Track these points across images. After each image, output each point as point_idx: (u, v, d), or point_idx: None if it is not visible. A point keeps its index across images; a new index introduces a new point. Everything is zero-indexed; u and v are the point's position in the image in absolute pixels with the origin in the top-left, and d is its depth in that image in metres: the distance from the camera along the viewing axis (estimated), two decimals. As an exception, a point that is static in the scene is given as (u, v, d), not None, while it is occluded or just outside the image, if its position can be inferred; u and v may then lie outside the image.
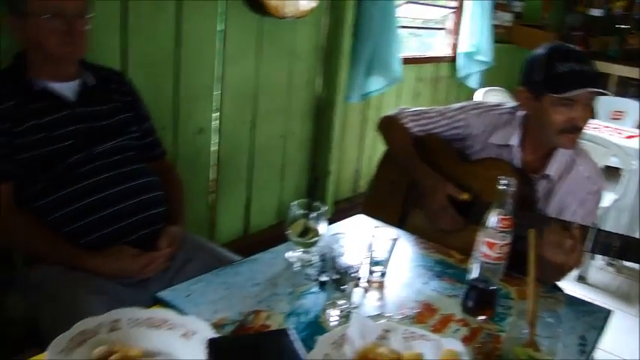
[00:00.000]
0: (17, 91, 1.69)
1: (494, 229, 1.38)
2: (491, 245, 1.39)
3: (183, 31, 2.49)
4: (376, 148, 3.89)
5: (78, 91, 1.79)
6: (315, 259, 1.49)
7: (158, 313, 1.11)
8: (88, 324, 1.05)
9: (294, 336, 0.88)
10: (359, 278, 1.37)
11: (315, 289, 1.38)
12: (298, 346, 0.87)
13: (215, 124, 2.76)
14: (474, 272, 1.39)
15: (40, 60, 1.73)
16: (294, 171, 3.30)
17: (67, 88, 1.77)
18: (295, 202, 1.47)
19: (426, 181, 1.89)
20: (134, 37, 2.33)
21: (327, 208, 1.48)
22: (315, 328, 1.22)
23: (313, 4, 2.94)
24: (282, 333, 0.87)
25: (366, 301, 1.38)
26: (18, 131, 1.66)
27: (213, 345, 0.84)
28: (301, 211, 1.45)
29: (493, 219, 1.38)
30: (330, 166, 3.41)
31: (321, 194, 3.33)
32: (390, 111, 2.12)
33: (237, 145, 2.92)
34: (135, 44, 2.34)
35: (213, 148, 2.79)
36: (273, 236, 3.07)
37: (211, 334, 1.04)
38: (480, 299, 1.38)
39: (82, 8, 1.72)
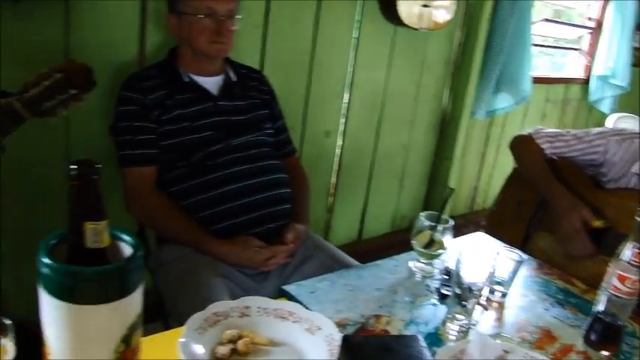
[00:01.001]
0: (168, 82, 1.82)
1: (628, 263, 1.31)
2: (623, 279, 1.32)
3: (319, 35, 2.56)
4: (497, 166, 3.80)
5: (221, 86, 1.90)
6: (437, 271, 1.48)
7: (286, 305, 1.15)
8: (222, 307, 1.11)
9: (424, 343, 0.89)
10: (480, 296, 1.35)
11: (435, 301, 1.37)
12: (427, 354, 0.88)
13: (341, 128, 2.81)
14: (601, 305, 1.33)
15: (190, 55, 1.85)
16: (412, 182, 3.30)
17: (211, 83, 1.88)
18: (424, 213, 1.47)
19: (561, 202, 1.83)
20: (273, 38, 2.42)
21: (454, 222, 1.47)
22: (434, 339, 1.22)
23: (448, 17, 2.93)
24: (413, 338, 0.88)
25: (485, 320, 1.36)
26: (165, 119, 1.78)
27: (347, 342, 0.87)
28: (429, 223, 1.45)
29: (628, 252, 1.31)
30: (449, 180, 3.38)
31: (437, 208, 3.29)
32: (525, 130, 2.07)
33: (360, 150, 2.95)
34: (273, 44, 2.43)
35: (337, 151, 2.83)
36: (386, 244, 3.08)
37: (336, 331, 1.07)
38: (605, 334, 1.32)
39: (231, 10, 1.82)
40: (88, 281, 0.77)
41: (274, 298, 1.26)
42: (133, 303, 0.81)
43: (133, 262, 0.80)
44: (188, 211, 1.77)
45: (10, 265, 2.10)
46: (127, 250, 0.84)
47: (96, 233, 0.77)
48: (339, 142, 2.83)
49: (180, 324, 1.53)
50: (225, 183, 1.77)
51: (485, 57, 3.35)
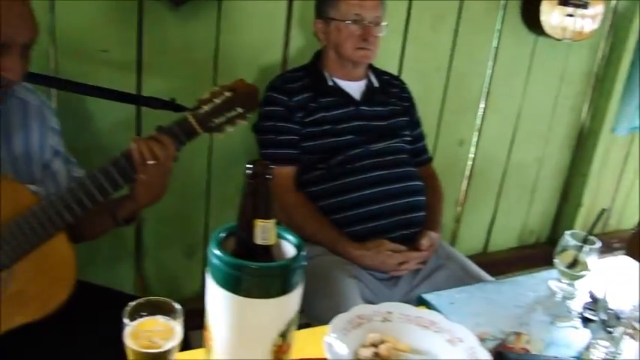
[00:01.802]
0: (313, 85, 1.88)
1: None
2: None
3: (458, 43, 2.54)
4: (636, 186, 3.58)
5: (363, 91, 1.93)
6: (579, 292, 1.42)
7: (427, 314, 1.15)
8: (365, 310, 1.13)
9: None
10: (629, 324, 1.28)
11: (577, 324, 1.32)
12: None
13: (474, 137, 2.77)
14: None
15: (335, 60, 1.89)
16: (543, 196, 3.18)
17: (354, 88, 1.92)
18: (569, 232, 1.42)
19: None
20: (412, 44, 2.43)
21: (600, 244, 1.41)
22: (577, 364, 1.18)
23: (595, 27, 2.79)
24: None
25: (632, 351, 1.29)
26: (308, 121, 1.83)
27: (501, 358, 0.86)
28: (574, 242, 1.40)
29: None
30: (583, 198, 3.22)
31: (568, 226, 3.17)
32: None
33: (492, 161, 2.89)
34: (412, 51, 2.44)
35: (469, 161, 2.79)
36: (512, 259, 2.99)
37: (478, 344, 1.06)
38: None
39: (378, 16, 1.85)
40: (255, 276, 0.81)
41: (406, 303, 1.26)
42: (293, 300, 0.85)
43: (297, 261, 0.84)
44: (324, 213, 1.81)
45: (152, 249, 2.25)
46: (290, 249, 0.88)
47: (265, 231, 0.82)
48: (472, 152, 2.79)
49: (312, 321, 1.59)
50: (363, 187, 1.80)
51: (632, 69, 3.16)
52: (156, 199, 1.41)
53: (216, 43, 2.09)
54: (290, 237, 0.89)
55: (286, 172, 1.84)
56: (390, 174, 1.84)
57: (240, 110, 1.37)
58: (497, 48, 2.66)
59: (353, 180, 1.81)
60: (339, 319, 1.08)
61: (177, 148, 1.35)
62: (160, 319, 0.90)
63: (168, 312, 0.90)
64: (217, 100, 1.35)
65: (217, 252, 0.82)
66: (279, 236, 0.88)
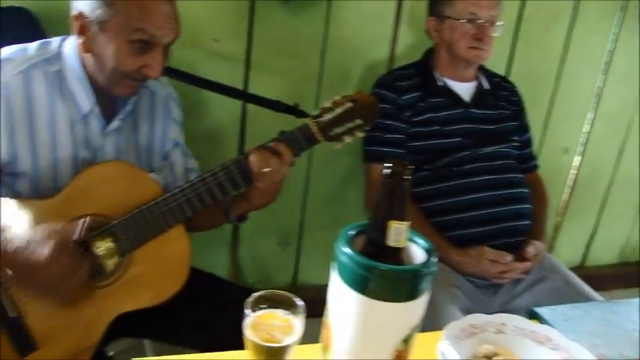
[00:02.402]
0: (422, 85, 1.84)
1: None
2: None
3: (571, 46, 2.43)
4: None
5: (473, 93, 1.88)
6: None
7: (543, 329, 1.10)
8: (478, 319, 1.09)
9: None
10: None
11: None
12: None
13: (580, 146, 2.65)
14: None
15: (447, 59, 1.85)
16: (651, 212, 3.01)
17: (464, 89, 1.87)
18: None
19: None
20: (522, 46, 2.34)
21: None
22: None
23: None
24: None
25: None
26: (416, 121, 1.80)
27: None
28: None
29: None
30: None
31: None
32: None
33: (598, 171, 2.76)
34: (522, 52, 2.35)
35: (572, 170, 2.68)
36: (612, 276, 2.85)
37: (598, 368, 1.01)
38: None
39: (494, 16, 1.79)
40: (385, 278, 0.80)
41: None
42: (420, 306, 0.83)
43: (428, 266, 0.82)
44: (426, 214, 1.78)
45: (248, 237, 2.29)
46: (419, 253, 0.86)
47: (398, 232, 0.80)
48: (576, 161, 2.67)
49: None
50: (469, 191, 1.76)
51: None
52: (270, 201, 1.43)
53: (324, 38, 2.09)
54: (420, 241, 0.87)
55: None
56: (498, 179, 1.78)
57: (359, 122, 1.38)
58: (612, 52, 2.53)
59: (460, 183, 1.77)
60: (453, 327, 1.05)
61: (296, 154, 1.37)
62: (279, 314, 0.90)
63: (288, 307, 0.90)
64: (339, 110, 1.37)
65: (347, 250, 0.81)
66: (409, 239, 0.86)
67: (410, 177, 0.79)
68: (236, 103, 2.06)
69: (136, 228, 1.29)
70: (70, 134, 1.32)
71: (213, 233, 2.20)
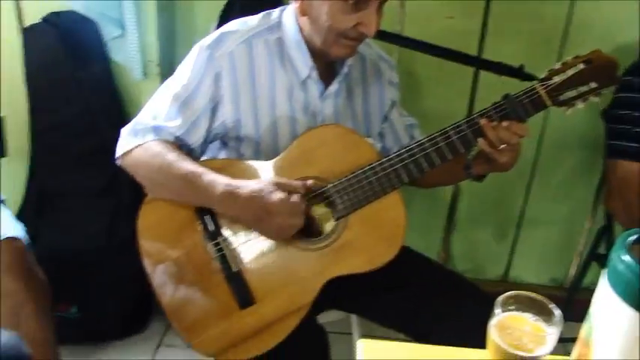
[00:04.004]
0: None
1: None
2: None
3: None
4: None
5: None
6: None
7: None
8: None
9: None
10: None
11: None
12: None
13: None
14: None
15: None
16: None
17: None
18: None
19: None
20: None
21: None
22: None
23: None
24: None
25: None
26: None
27: None
28: None
29: None
30: None
31: None
32: None
33: None
34: None
35: None
36: None
37: None
38: None
39: None
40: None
41: None
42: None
43: None
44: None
45: (463, 224, 2.20)
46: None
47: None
48: None
49: None
50: None
51: None
52: (510, 167, 1.33)
53: (568, 16, 1.92)
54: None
55: (636, 168, 1.61)
56: None
57: (593, 85, 1.25)
58: None
59: None
60: None
61: (521, 120, 1.26)
62: (529, 319, 0.81)
63: (539, 312, 0.81)
64: (570, 72, 1.25)
65: (626, 258, 0.69)
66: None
67: None
68: (466, 77, 1.97)
69: (351, 192, 1.28)
70: (290, 99, 1.35)
71: (428, 215, 2.16)
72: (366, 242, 1.30)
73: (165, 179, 1.27)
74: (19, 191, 2.03)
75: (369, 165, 1.28)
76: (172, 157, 1.26)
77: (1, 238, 1.45)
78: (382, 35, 1.53)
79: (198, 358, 1.33)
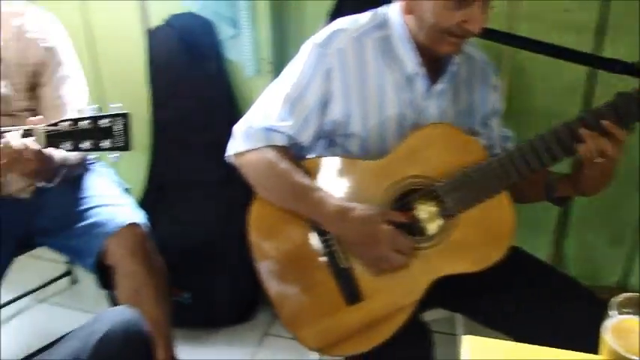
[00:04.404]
0: None
1: None
2: None
3: None
4: None
5: None
6: None
7: None
8: None
9: None
10: None
11: None
12: None
13: None
14: None
15: None
16: None
17: None
18: None
19: None
20: None
21: None
22: None
23: None
24: None
25: None
26: None
27: None
28: None
29: None
30: None
31: None
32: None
33: None
34: None
35: None
36: None
37: None
38: None
39: None
40: None
41: None
42: None
43: None
44: None
45: (576, 228, 2.11)
46: None
47: None
48: None
49: None
50: None
51: None
52: (599, 191, 1.29)
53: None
54: None
55: None
56: None
57: None
58: None
59: None
60: None
61: (626, 127, 1.19)
62: (643, 322, 0.77)
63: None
64: None
65: None
66: None
67: None
68: (579, 74, 1.90)
69: (459, 191, 1.27)
70: (397, 96, 1.36)
71: (540, 218, 2.09)
72: (473, 243, 1.29)
73: (275, 188, 1.33)
74: (140, 182, 2.16)
75: (478, 164, 1.27)
76: (284, 167, 1.31)
77: (125, 223, 1.56)
78: (488, 33, 1.49)
79: (303, 350, 1.36)
